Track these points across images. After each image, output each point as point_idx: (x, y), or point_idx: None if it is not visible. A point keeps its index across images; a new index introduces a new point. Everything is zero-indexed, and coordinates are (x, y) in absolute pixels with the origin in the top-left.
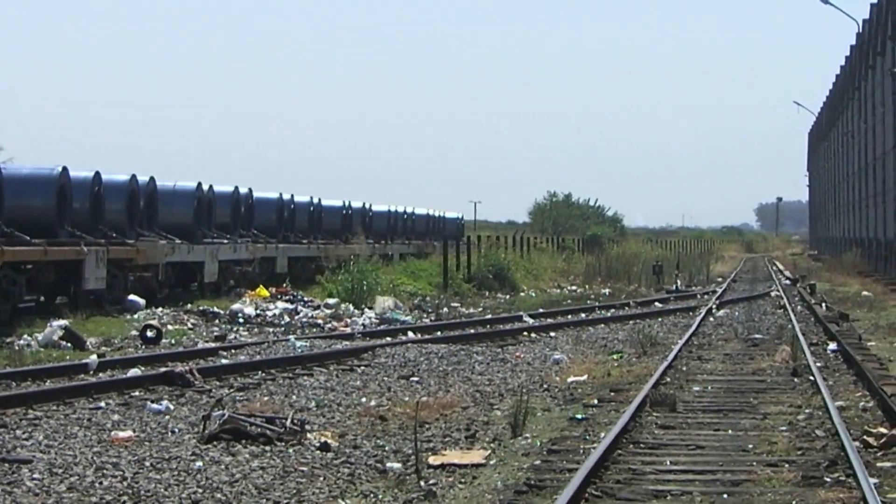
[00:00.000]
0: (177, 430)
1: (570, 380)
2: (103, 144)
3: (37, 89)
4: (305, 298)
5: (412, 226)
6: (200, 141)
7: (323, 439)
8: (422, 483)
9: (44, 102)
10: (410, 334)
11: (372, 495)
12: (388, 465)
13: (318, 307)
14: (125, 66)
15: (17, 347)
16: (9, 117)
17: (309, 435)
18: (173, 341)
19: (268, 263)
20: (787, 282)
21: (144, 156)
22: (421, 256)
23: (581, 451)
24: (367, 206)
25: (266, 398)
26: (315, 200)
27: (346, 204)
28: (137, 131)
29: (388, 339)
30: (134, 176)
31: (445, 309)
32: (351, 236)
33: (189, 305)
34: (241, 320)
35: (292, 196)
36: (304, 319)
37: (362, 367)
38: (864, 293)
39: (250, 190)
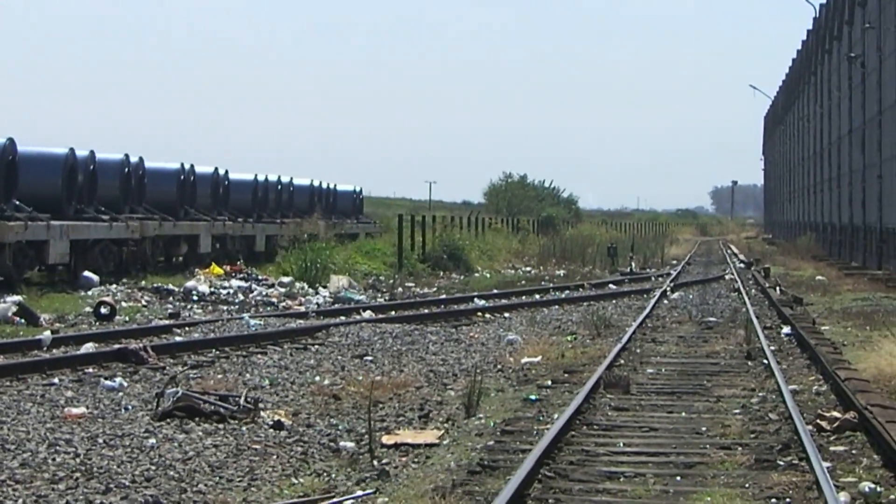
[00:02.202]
0: (130, 407)
1: (524, 361)
2: None
3: None
4: (260, 277)
5: (290, 200)
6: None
7: (276, 418)
8: (375, 462)
9: None
10: (367, 313)
11: (325, 474)
12: (342, 444)
13: (272, 286)
14: None
15: None
16: None
17: (262, 413)
18: (127, 318)
19: (35, 250)
20: (742, 265)
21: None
22: (300, 239)
23: (535, 431)
24: (220, 172)
25: (220, 376)
26: (134, 160)
27: (186, 168)
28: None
29: (343, 318)
30: None
31: (400, 289)
32: (195, 211)
33: (143, 282)
34: (195, 298)
35: (93, 154)
36: (259, 298)
37: (316, 346)
38: (819, 277)
39: (11, 141)
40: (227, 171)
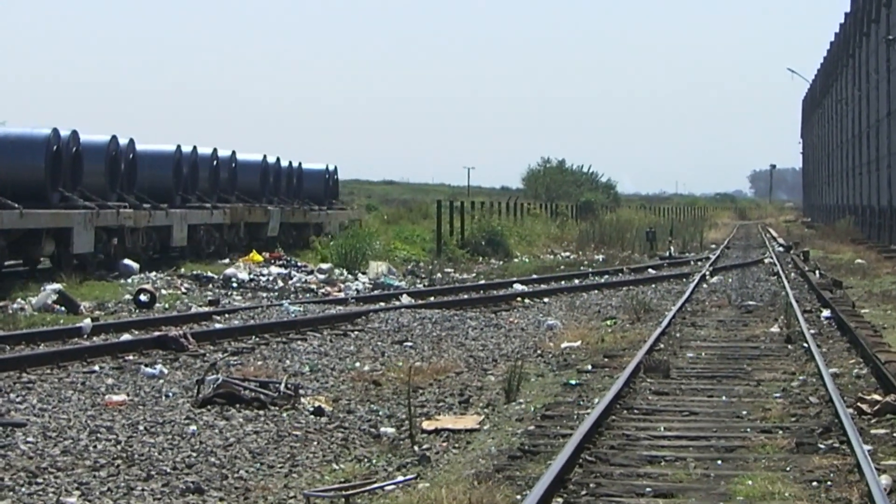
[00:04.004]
0: (171, 394)
1: (563, 345)
2: None
3: None
4: (299, 263)
5: (231, 179)
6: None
7: (317, 404)
8: (415, 448)
9: None
10: (404, 299)
11: (366, 460)
12: (382, 429)
13: (311, 272)
14: None
15: (10, 311)
16: None
17: (303, 399)
18: (167, 305)
19: None
20: (781, 249)
21: None
22: (238, 229)
23: (575, 416)
24: (122, 142)
25: (260, 362)
26: None
27: (64, 136)
28: None
29: (382, 304)
30: None
31: (439, 274)
32: (77, 195)
33: (182, 270)
34: (234, 285)
35: None
36: (298, 284)
37: (356, 332)
38: (858, 260)
39: None
40: (131, 141)
